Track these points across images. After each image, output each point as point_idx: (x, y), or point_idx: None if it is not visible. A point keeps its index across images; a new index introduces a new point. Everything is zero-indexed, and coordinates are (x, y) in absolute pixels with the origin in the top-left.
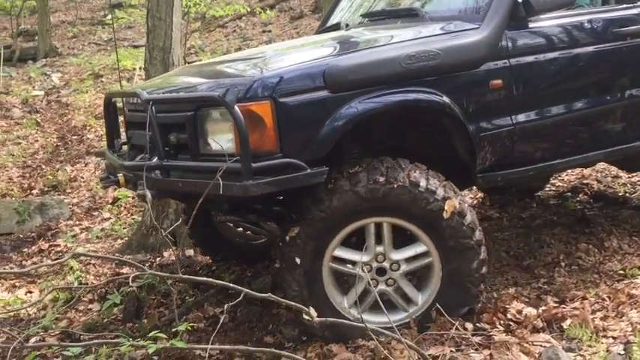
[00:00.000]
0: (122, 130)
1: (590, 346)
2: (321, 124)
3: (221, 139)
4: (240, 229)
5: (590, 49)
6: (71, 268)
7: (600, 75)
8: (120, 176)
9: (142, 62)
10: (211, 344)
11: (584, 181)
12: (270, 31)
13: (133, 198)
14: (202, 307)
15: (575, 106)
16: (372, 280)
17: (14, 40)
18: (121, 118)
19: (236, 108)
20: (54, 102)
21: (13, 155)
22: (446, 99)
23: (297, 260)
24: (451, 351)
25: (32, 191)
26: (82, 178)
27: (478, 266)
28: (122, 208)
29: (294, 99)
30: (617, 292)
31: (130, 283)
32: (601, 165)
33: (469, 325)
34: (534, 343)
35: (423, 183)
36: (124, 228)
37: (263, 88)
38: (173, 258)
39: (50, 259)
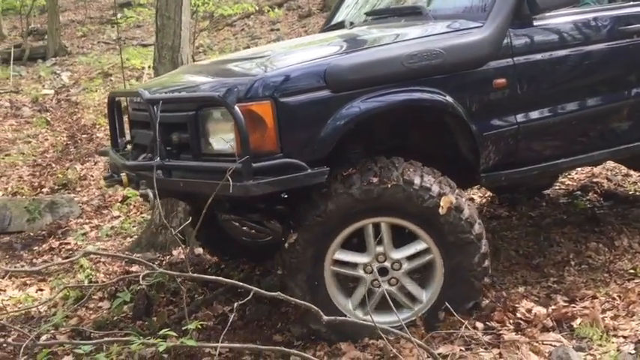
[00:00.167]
0: (128, 129)
1: (600, 345)
2: (322, 123)
3: (222, 139)
4: (246, 227)
5: (596, 47)
6: (81, 266)
7: (606, 73)
8: (123, 175)
9: (150, 61)
10: (221, 342)
11: (594, 180)
12: (278, 30)
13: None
14: (211, 306)
15: (580, 105)
16: (374, 280)
17: (24, 39)
18: (126, 118)
19: (236, 108)
20: (63, 101)
21: (24, 154)
22: (449, 98)
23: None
24: (460, 350)
25: (42, 190)
26: (92, 176)
27: (480, 260)
28: (132, 207)
29: (295, 99)
30: (628, 292)
31: (140, 282)
32: (611, 163)
33: (479, 325)
34: (544, 343)
35: (417, 181)
36: (133, 226)
37: (264, 88)
38: (182, 256)
39: (60, 257)
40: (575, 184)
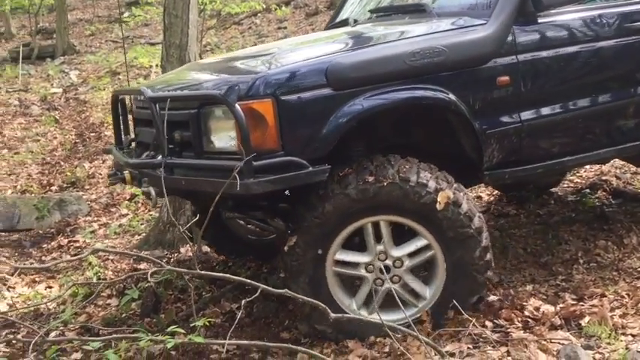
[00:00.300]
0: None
1: (609, 343)
2: (323, 121)
3: (224, 137)
4: (251, 225)
5: (601, 44)
6: (90, 263)
7: (611, 71)
8: (126, 173)
9: (158, 59)
10: (228, 339)
11: (603, 178)
12: (285, 28)
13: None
14: (219, 303)
15: (585, 103)
16: (377, 279)
17: (33, 37)
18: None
19: (237, 106)
20: (72, 99)
21: (33, 152)
22: (452, 96)
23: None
24: (468, 348)
25: (51, 188)
26: (100, 174)
27: (481, 254)
28: (139, 205)
29: (297, 97)
30: (637, 290)
31: (148, 279)
32: (620, 161)
33: (487, 323)
34: (552, 341)
35: (413, 177)
36: (141, 224)
37: (265, 86)
38: (190, 254)
39: (69, 255)
40: (583, 182)
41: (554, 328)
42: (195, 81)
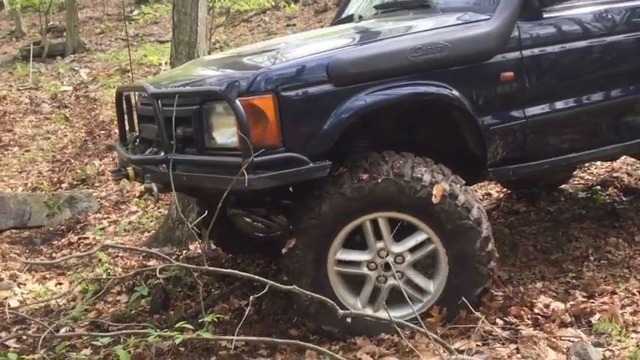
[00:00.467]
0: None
1: (619, 340)
2: (324, 117)
3: (225, 133)
4: (257, 223)
5: (608, 39)
6: (100, 260)
7: (618, 66)
8: (129, 169)
9: (167, 57)
10: (236, 336)
11: (614, 175)
12: (294, 25)
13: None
14: (228, 300)
15: (591, 99)
16: (380, 276)
17: (43, 36)
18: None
19: (237, 102)
20: (82, 97)
21: (43, 150)
22: (455, 92)
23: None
24: (477, 345)
25: (61, 185)
26: (110, 172)
27: (482, 245)
28: (149, 202)
29: (297, 93)
30: None
31: (157, 275)
32: (631, 158)
33: (496, 320)
34: (562, 338)
35: (407, 172)
36: (151, 221)
37: (265, 82)
38: (199, 251)
39: (79, 252)
40: (594, 178)
41: (564, 325)
42: (200, 77)
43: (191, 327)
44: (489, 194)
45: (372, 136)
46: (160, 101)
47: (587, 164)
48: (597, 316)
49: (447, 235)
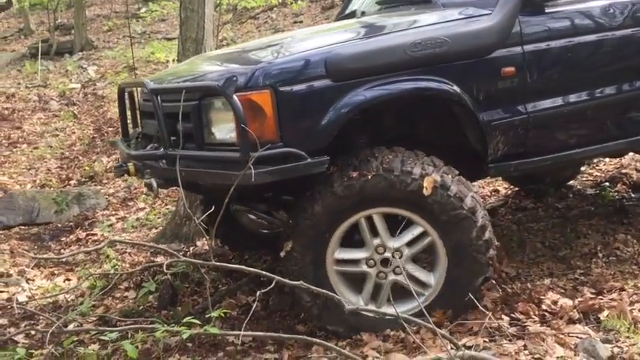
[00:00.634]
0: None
1: (628, 337)
2: (322, 113)
3: (224, 128)
4: (261, 220)
5: (611, 34)
6: (107, 256)
7: (622, 62)
8: (130, 165)
9: (175, 54)
10: (244, 331)
11: (623, 171)
12: (301, 22)
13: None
14: (235, 296)
15: (594, 94)
16: (380, 272)
17: (51, 33)
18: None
19: (235, 97)
20: (90, 94)
21: (52, 147)
22: (455, 87)
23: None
24: (484, 341)
25: (70, 182)
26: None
27: (478, 233)
28: (156, 198)
29: (295, 88)
30: None
31: (164, 270)
32: (638, 154)
33: (503, 317)
34: (570, 335)
35: (397, 167)
36: (158, 218)
37: (263, 78)
38: (206, 247)
39: (87, 248)
40: (603, 175)
41: (572, 322)
42: (203, 72)
43: (198, 322)
44: (497, 191)
45: (372, 131)
46: (159, 97)
47: (595, 160)
48: (606, 312)
49: (443, 227)
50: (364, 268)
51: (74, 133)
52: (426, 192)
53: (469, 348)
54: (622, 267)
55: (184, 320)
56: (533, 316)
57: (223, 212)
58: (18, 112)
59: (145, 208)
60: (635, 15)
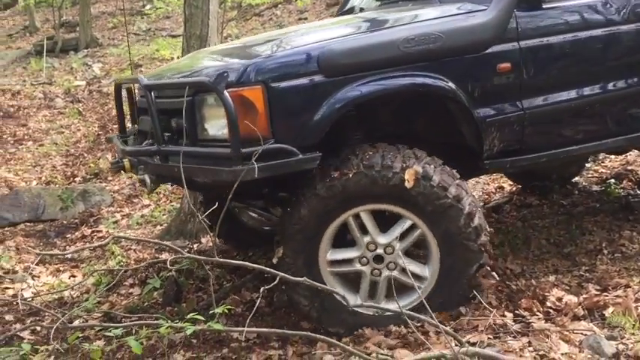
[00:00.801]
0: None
1: (633, 334)
2: (314, 109)
3: (216, 124)
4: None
5: (610, 30)
6: (112, 253)
7: (620, 58)
8: (125, 161)
9: (180, 51)
10: (248, 328)
11: (629, 168)
12: (306, 19)
13: (171, 185)
14: (239, 292)
15: (591, 91)
16: (374, 270)
17: (56, 31)
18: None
19: (226, 93)
20: (95, 92)
21: (57, 144)
22: (450, 83)
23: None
24: (488, 338)
25: (75, 179)
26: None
27: (466, 221)
28: (161, 195)
29: (287, 84)
30: None
31: (168, 266)
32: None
33: (507, 313)
34: (575, 331)
35: (377, 162)
36: (163, 214)
37: (255, 73)
38: (211, 244)
39: (92, 244)
40: (608, 171)
41: (576, 318)
42: (202, 67)
43: (203, 319)
44: (502, 187)
45: (368, 128)
46: (152, 93)
47: (600, 157)
48: (611, 309)
49: (430, 217)
50: (358, 266)
51: (79, 130)
52: (408, 184)
53: (473, 344)
54: (627, 264)
55: (189, 316)
56: (538, 313)
57: (224, 210)
58: (23, 110)
59: (149, 205)
60: (634, 10)
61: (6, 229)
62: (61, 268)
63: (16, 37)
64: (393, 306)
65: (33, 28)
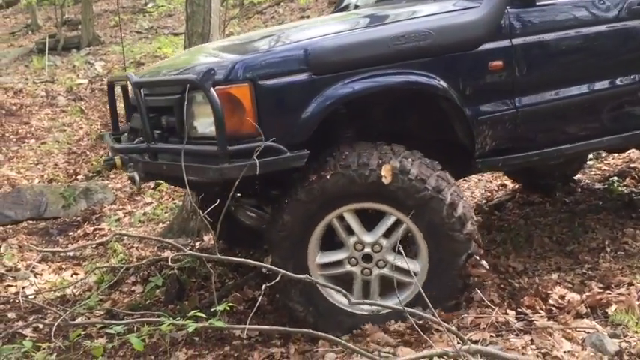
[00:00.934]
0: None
1: (636, 332)
2: (302, 106)
3: (204, 122)
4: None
5: (604, 27)
6: (115, 250)
7: (615, 55)
8: (116, 159)
9: (181, 49)
10: (249, 325)
11: (632, 165)
12: (308, 17)
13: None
14: (242, 290)
15: (585, 89)
16: (364, 269)
17: (59, 29)
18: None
19: (212, 91)
20: (97, 90)
21: (59, 142)
22: (441, 81)
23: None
24: (491, 336)
25: (77, 177)
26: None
27: (449, 211)
28: (163, 193)
29: (275, 82)
30: None
31: (170, 264)
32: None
33: (510, 311)
34: (577, 329)
35: (354, 161)
36: (165, 212)
37: (243, 71)
38: (213, 242)
39: (94, 241)
40: (611, 169)
41: (579, 316)
42: (195, 64)
43: (205, 316)
44: (504, 185)
45: (360, 126)
46: (142, 90)
47: (603, 155)
48: (613, 307)
49: (412, 211)
50: (348, 267)
51: (81, 128)
52: (386, 180)
53: (475, 342)
54: (630, 261)
55: (191, 314)
56: (540, 311)
57: (224, 208)
58: (26, 108)
59: (152, 202)
60: (628, 8)
61: (8, 226)
62: (64, 266)
63: (19, 35)
64: (391, 302)
65: (35, 27)
